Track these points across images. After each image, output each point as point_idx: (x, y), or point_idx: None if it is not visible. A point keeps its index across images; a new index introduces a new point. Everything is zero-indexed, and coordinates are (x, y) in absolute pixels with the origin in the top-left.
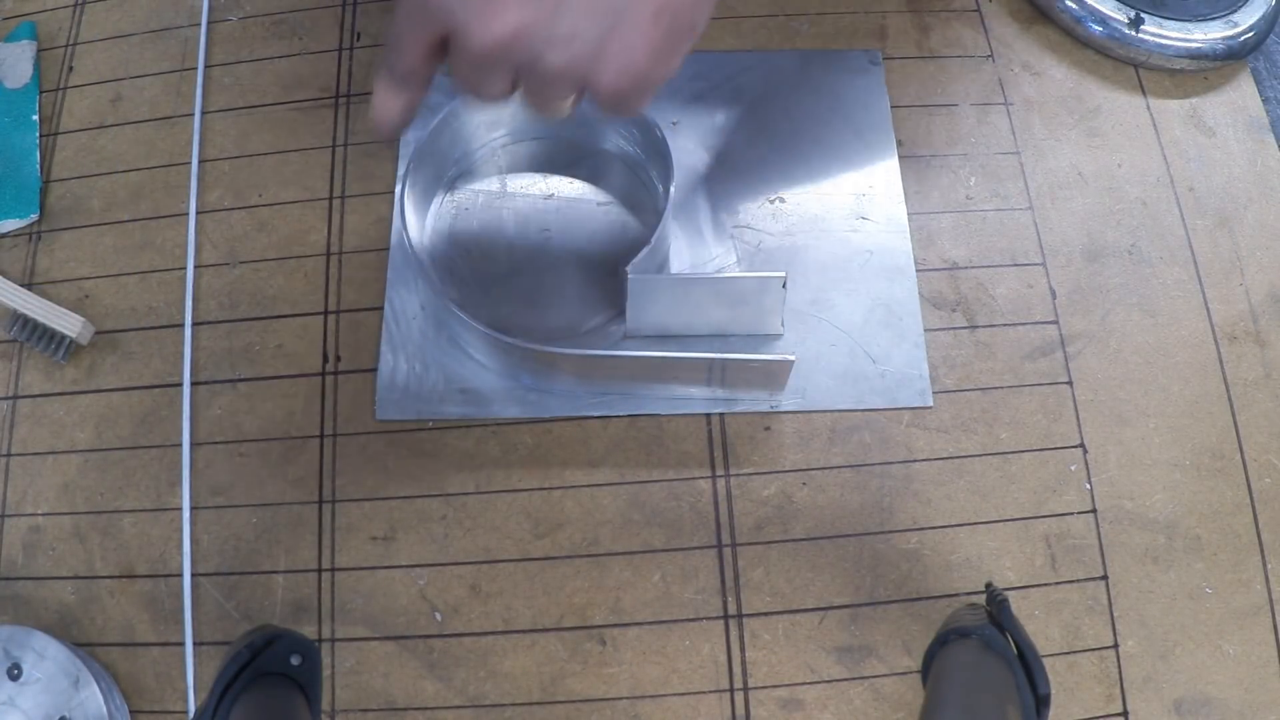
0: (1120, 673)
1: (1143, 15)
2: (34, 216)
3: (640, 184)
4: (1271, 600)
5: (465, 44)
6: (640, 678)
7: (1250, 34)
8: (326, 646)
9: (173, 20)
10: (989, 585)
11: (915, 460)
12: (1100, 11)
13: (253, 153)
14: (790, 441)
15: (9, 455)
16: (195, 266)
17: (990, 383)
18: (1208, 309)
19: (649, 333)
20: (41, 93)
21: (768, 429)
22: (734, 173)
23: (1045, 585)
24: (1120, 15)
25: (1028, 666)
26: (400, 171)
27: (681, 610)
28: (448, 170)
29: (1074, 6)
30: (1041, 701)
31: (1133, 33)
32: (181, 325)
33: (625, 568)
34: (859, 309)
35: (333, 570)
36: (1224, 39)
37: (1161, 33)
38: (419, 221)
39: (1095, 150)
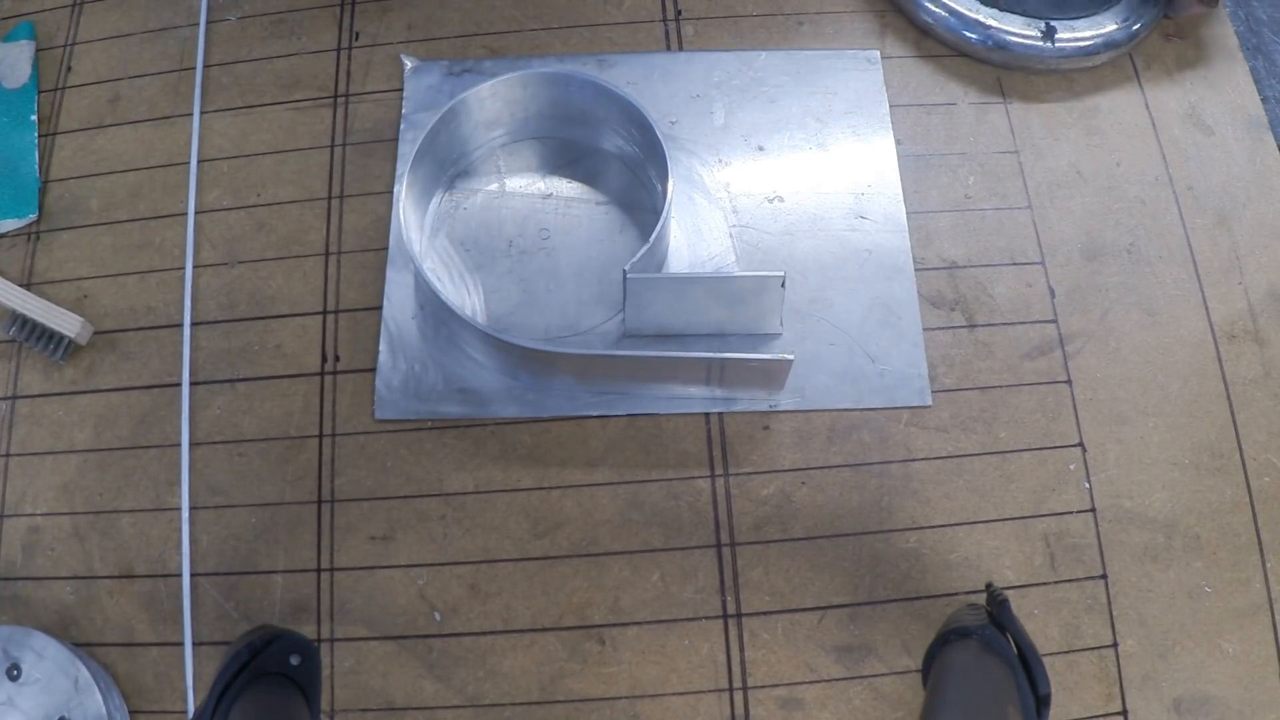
0: (1120, 672)
1: (1053, 25)
2: (33, 216)
3: (639, 184)
4: (1271, 599)
5: None
6: (640, 677)
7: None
8: (326, 646)
9: (171, 20)
10: (989, 585)
11: (914, 460)
12: (1007, 31)
13: (251, 153)
14: (789, 441)
15: (8, 455)
16: (194, 266)
17: (989, 382)
18: (1207, 308)
19: (648, 332)
20: (40, 93)
21: (767, 428)
22: (733, 173)
23: (1045, 585)
24: (1032, 30)
25: (1028, 666)
26: (399, 171)
27: (681, 610)
28: (446, 170)
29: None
30: (1042, 702)
31: (1049, 44)
32: (180, 325)
33: (624, 567)
34: (858, 308)
35: (332, 570)
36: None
37: (1076, 35)
38: (418, 221)
39: (1094, 149)
